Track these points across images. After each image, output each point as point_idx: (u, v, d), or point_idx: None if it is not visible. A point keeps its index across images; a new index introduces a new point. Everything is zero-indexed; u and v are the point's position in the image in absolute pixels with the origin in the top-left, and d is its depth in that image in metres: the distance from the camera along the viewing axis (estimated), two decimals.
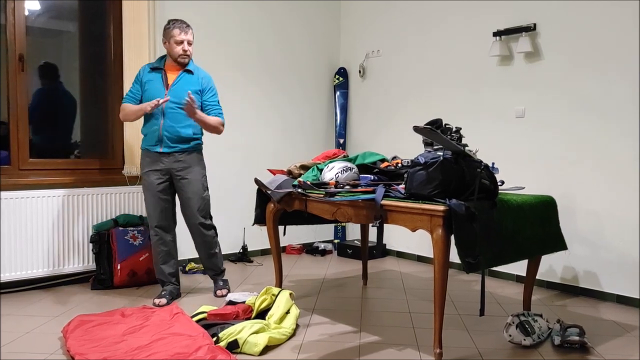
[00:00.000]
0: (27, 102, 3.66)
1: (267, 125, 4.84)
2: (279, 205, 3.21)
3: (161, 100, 3.21)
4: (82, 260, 3.73)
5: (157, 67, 3.38)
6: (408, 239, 4.67)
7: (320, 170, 3.12)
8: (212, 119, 3.37)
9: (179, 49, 3.31)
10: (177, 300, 3.41)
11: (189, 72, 3.38)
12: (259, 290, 3.13)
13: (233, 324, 2.67)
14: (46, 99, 3.90)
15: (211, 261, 3.56)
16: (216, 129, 3.42)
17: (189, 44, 3.34)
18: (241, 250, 4.60)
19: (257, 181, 3.30)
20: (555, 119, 3.72)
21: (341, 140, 5.24)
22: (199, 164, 3.44)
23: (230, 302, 3.12)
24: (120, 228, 3.74)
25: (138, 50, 3.88)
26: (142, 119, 3.42)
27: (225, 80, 4.39)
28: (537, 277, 3.20)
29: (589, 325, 2.94)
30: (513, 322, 2.70)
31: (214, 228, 3.54)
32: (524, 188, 3.17)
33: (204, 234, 3.45)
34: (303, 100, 5.10)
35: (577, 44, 3.59)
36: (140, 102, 3.36)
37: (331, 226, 5.23)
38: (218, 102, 3.47)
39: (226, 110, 3.61)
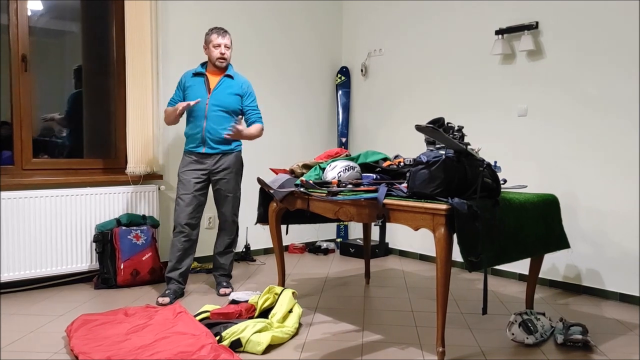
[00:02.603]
0: (30, 102, 3.67)
1: (269, 124, 4.81)
2: (282, 205, 3.22)
3: (192, 102, 3.35)
4: (85, 260, 3.74)
5: (200, 73, 3.52)
6: (410, 237, 4.67)
7: (323, 170, 3.12)
8: (254, 130, 3.53)
9: (216, 52, 3.46)
10: (181, 299, 3.42)
11: (230, 77, 3.53)
12: (262, 289, 3.14)
13: (236, 323, 2.68)
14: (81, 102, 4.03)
15: (225, 258, 3.65)
16: (259, 136, 3.58)
17: (227, 47, 3.48)
18: (244, 250, 4.61)
19: (259, 180, 3.32)
20: (557, 117, 3.72)
21: (343, 139, 5.24)
22: (238, 164, 3.59)
23: (233, 301, 3.13)
24: (124, 227, 3.75)
25: (141, 50, 3.89)
26: (184, 122, 3.57)
27: None
28: (540, 275, 3.20)
29: (591, 324, 2.95)
30: (516, 321, 2.70)
31: (238, 228, 3.71)
32: (526, 187, 3.17)
33: (233, 230, 3.64)
34: (305, 99, 5.11)
35: (579, 42, 3.59)
36: None
37: (333, 225, 5.24)
38: (257, 107, 3.61)
39: None
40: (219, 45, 3.45)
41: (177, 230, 3.46)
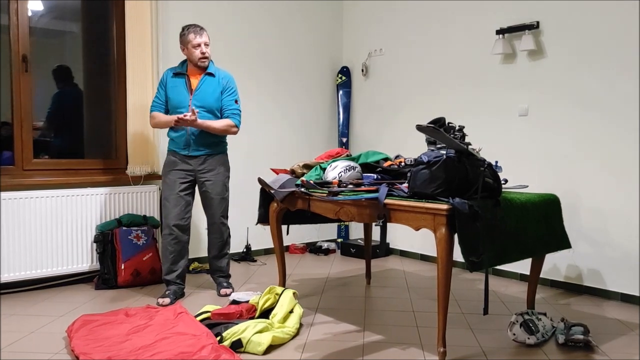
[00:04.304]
0: (31, 103, 3.67)
1: (270, 125, 4.84)
2: (282, 205, 3.21)
3: (188, 116, 3.21)
4: (86, 260, 3.73)
5: (180, 73, 3.45)
6: (411, 237, 4.67)
7: (323, 170, 3.12)
8: (217, 123, 3.40)
9: (197, 53, 3.38)
10: (181, 299, 3.41)
11: (211, 75, 3.45)
12: (263, 289, 3.13)
13: (237, 324, 2.68)
14: (65, 102, 4.00)
15: (221, 261, 3.62)
16: (226, 132, 3.47)
17: (206, 45, 3.41)
18: (245, 250, 4.61)
19: (260, 181, 3.31)
20: (558, 116, 3.71)
21: (344, 139, 5.23)
22: (223, 166, 3.53)
23: (234, 302, 3.13)
24: (124, 228, 3.75)
25: (141, 50, 3.89)
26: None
27: None
28: (541, 275, 3.19)
29: (593, 324, 2.94)
30: (517, 321, 2.69)
31: (229, 229, 3.63)
32: (527, 187, 3.16)
33: (222, 232, 3.57)
34: (306, 99, 5.11)
35: (580, 42, 3.58)
36: (166, 105, 3.46)
37: (334, 225, 5.23)
38: (235, 102, 3.50)
39: None
40: (199, 45, 3.36)
41: (166, 232, 3.43)
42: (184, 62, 3.49)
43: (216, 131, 3.40)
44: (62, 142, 4.00)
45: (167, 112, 3.47)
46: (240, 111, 3.52)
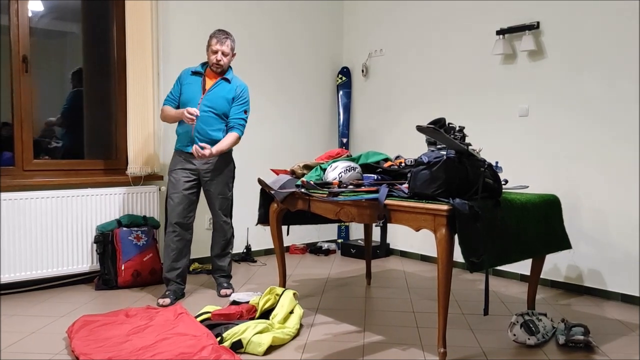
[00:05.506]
0: (31, 103, 3.67)
1: (269, 125, 4.84)
2: (283, 205, 3.21)
3: (194, 113, 3.26)
4: (86, 261, 3.73)
5: (198, 72, 3.51)
6: (412, 238, 4.67)
7: (324, 170, 3.12)
8: (227, 142, 3.42)
9: (212, 58, 3.45)
10: (181, 300, 3.41)
11: (227, 80, 3.51)
12: (263, 290, 3.13)
13: (237, 324, 2.68)
14: (79, 101, 4.03)
15: (223, 260, 3.64)
16: (234, 144, 3.49)
17: (224, 54, 3.45)
18: (245, 250, 4.61)
19: (260, 181, 3.32)
20: (559, 117, 3.71)
21: (344, 140, 5.23)
22: (227, 166, 3.55)
23: (234, 302, 3.13)
24: (124, 228, 3.75)
25: (141, 50, 3.89)
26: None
27: None
28: (542, 276, 3.19)
29: (593, 325, 2.94)
30: (517, 322, 2.69)
31: (232, 228, 3.66)
32: (528, 187, 3.16)
33: (226, 231, 3.60)
34: (306, 99, 5.11)
35: (580, 42, 3.59)
36: (179, 102, 3.49)
37: (334, 226, 5.23)
38: (244, 113, 3.53)
39: None
40: (216, 52, 3.43)
41: (169, 230, 3.46)
42: (204, 63, 3.54)
43: (228, 148, 3.43)
44: (64, 143, 4.01)
45: (178, 108, 3.49)
46: (245, 122, 3.55)
